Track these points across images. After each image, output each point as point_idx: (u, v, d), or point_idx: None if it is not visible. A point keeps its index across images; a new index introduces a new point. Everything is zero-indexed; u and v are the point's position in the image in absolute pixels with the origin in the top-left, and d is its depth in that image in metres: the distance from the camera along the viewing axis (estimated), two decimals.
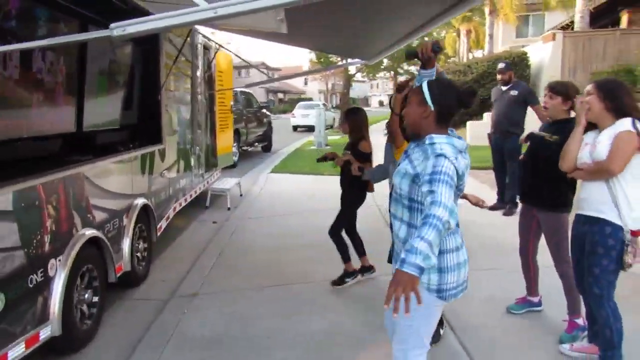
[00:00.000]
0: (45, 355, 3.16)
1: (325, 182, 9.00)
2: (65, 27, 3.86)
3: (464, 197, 2.75)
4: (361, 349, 3.32)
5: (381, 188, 4.20)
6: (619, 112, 2.77)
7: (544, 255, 3.56)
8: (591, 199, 2.85)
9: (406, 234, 2.17)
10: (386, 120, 3.75)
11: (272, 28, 3.40)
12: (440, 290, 2.11)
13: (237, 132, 11.86)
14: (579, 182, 3.06)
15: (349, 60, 8.22)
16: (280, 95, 61.58)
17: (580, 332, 3.27)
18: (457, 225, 2.14)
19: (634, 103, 2.81)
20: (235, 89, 11.05)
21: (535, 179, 3.44)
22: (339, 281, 4.33)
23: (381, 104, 75.02)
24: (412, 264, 1.77)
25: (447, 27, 27.57)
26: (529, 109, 6.42)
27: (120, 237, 4.20)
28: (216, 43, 7.70)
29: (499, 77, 6.75)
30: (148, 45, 5.08)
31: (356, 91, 54.25)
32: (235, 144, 11.08)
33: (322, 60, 25.26)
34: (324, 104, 27.52)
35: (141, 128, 5.53)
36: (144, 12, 3.82)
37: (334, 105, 37.95)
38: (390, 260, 3.22)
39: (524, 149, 3.72)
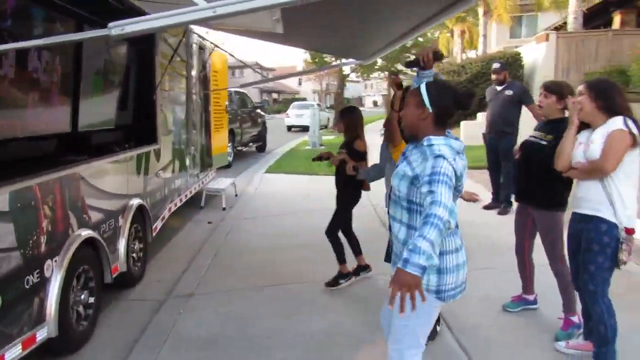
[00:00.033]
0: (42, 356, 3.15)
1: (320, 182, 9.01)
2: (61, 27, 3.84)
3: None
4: (361, 348, 3.32)
5: (377, 187, 4.22)
6: (610, 111, 2.80)
7: (539, 254, 3.58)
8: (587, 198, 2.88)
9: (406, 236, 2.17)
10: (380, 120, 3.77)
11: (268, 28, 3.40)
12: (439, 291, 2.12)
13: (231, 132, 11.85)
14: (574, 180, 3.08)
15: (344, 60, 8.23)
16: (275, 96, 61.50)
17: (575, 329, 3.30)
18: (457, 226, 2.15)
19: (625, 102, 2.85)
20: (230, 89, 11.03)
21: (529, 182, 3.47)
22: (333, 282, 4.33)
23: (375, 104, 75.18)
24: (415, 264, 1.78)
25: (441, 27, 27.61)
26: (524, 109, 6.45)
27: (116, 238, 4.19)
28: (211, 43, 7.69)
29: (493, 77, 6.77)
30: (143, 45, 5.06)
31: (350, 91, 54.31)
32: (230, 144, 11.07)
33: (316, 60, 25.26)
34: (318, 104, 27.55)
35: (136, 128, 5.51)
36: (140, 12, 3.81)
37: (328, 106, 37.93)
38: (387, 260, 3.23)
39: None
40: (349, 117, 4.34)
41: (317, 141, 16.30)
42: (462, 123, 13.79)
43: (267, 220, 7.03)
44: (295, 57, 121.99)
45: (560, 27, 16.97)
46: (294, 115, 26.40)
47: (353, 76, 36.70)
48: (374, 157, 4.09)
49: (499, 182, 6.82)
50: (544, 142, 3.31)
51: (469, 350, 3.23)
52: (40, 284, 2.97)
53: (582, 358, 3.07)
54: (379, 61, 25.99)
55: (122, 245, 4.24)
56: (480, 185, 7.76)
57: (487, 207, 6.83)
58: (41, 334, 2.95)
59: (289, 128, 26.25)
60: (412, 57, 2.54)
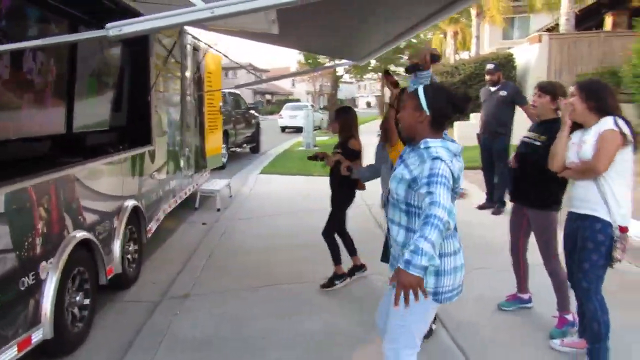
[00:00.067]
0: (37, 358, 3.13)
1: (315, 183, 9.02)
2: (56, 28, 3.83)
3: None
4: (357, 348, 3.33)
5: (371, 187, 4.23)
6: (601, 111, 2.84)
7: (533, 254, 3.60)
8: (582, 197, 2.91)
9: (405, 238, 2.19)
10: (374, 121, 3.78)
11: (263, 29, 3.41)
12: (437, 293, 2.13)
13: (225, 133, 11.83)
14: (570, 180, 3.11)
15: (338, 61, 8.24)
16: (268, 97, 61.40)
17: (570, 327, 3.33)
18: (455, 229, 2.17)
19: (615, 102, 2.89)
20: (224, 90, 11.02)
21: (524, 183, 3.49)
22: (328, 283, 4.33)
23: (368, 105, 75.19)
24: (417, 265, 1.82)
25: (434, 28, 27.68)
26: (518, 110, 6.49)
27: (111, 239, 4.18)
28: (205, 43, 7.68)
29: (487, 77, 6.81)
30: (138, 47, 5.05)
31: (344, 92, 54.31)
32: (223, 145, 11.06)
33: (310, 61, 25.27)
34: (312, 105, 27.53)
35: (131, 129, 5.50)
36: (135, 13, 3.80)
37: (321, 107, 37.93)
38: (383, 260, 3.24)
39: (512, 150, 3.76)
40: (344, 118, 4.36)
41: (311, 142, 16.31)
42: (456, 124, 13.83)
43: (262, 220, 7.03)
44: (288, 58, 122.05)
45: (552, 29, 17.07)
46: (288, 116, 26.36)
47: (346, 77, 36.77)
48: (369, 158, 4.10)
49: (492, 182, 6.86)
50: (538, 143, 3.35)
51: (465, 349, 3.25)
52: (36, 286, 2.96)
53: (576, 355, 3.09)
54: (373, 62, 26.06)
55: (117, 246, 4.22)
56: (474, 185, 7.79)
57: (481, 207, 6.87)
58: (36, 336, 2.94)
59: (283, 129, 26.21)
60: (409, 62, 2.57)
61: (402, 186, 2.16)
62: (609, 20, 15.84)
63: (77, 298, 3.51)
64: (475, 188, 7.57)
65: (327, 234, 4.33)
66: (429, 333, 3.28)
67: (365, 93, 79.88)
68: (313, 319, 3.78)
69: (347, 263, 4.43)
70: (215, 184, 8.20)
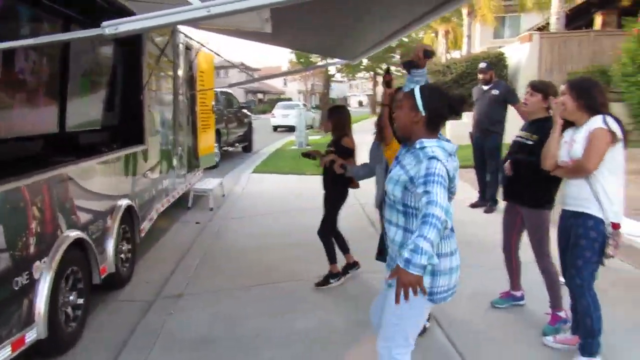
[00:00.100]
0: (31, 358, 3.12)
1: (307, 182, 9.03)
2: (48, 27, 3.81)
3: None
4: (351, 346, 3.33)
5: (365, 185, 4.24)
6: (592, 109, 2.87)
7: (526, 252, 3.63)
8: (575, 195, 2.94)
9: (402, 239, 2.19)
10: (366, 120, 3.78)
11: (256, 27, 3.40)
12: (432, 293, 2.14)
13: (217, 133, 11.80)
14: (563, 178, 3.14)
15: (330, 60, 8.24)
16: (260, 96, 61.27)
17: (562, 324, 3.35)
18: (452, 230, 2.18)
19: (605, 101, 2.92)
20: (216, 89, 10.99)
21: (517, 182, 3.52)
22: (323, 282, 4.34)
23: (360, 104, 75.30)
24: (417, 264, 1.84)
25: (425, 28, 27.76)
26: (510, 108, 6.53)
27: (105, 239, 4.16)
28: (198, 42, 7.66)
29: (480, 76, 6.84)
30: (130, 46, 5.03)
31: (335, 91, 54.30)
32: (216, 145, 11.03)
33: (302, 60, 25.24)
34: (304, 104, 27.54)
35: (123, 129, 5.47)
36: (129, 12, 3.79)
37: (313, 106, 37.93)
38: (378, 258, 3.24)
39: (505, 148, 3.79)
40: (337, 116, 4.36)
41: (303, 141, 16.32)
42: (448, 122, 13.87)
43: (254, 219, 7.02)
44: (279, 57, 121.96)
45: (543, 28, 17.18)
46: (280, 115, 26.34)
47: (338, 76, 36.80)
48: (362, 157, 4.11)
49: (485, 181, 6.90)
50: (530, 142, 3.37)
51: (458, 346, 3.28)
52: (29, 286, 2.94)
53: (569, 352, 3.12)
54: (365, 61, 26.10)
55: (110, 246, 4.20)
56: (467, 183, 7.83)
57: (473, 205, 6.91)
58: (30, 336, 2.92)
59: (275, 128, 26.19)
60: (405, 59, 2.57)
61: (399, 188, 2.17)
62: (598, 20, 15.98)
63: (71, 297, 3.49)
64: (467, 186, 7.61)
65: (323, 233, 4.33)
66: (423, 331, 3.29)
67: (358, 92, 79.99)
68: (307, 317, 3.78)
69: (341, 262, 4.44)
70: (208, 183, 8.18)
